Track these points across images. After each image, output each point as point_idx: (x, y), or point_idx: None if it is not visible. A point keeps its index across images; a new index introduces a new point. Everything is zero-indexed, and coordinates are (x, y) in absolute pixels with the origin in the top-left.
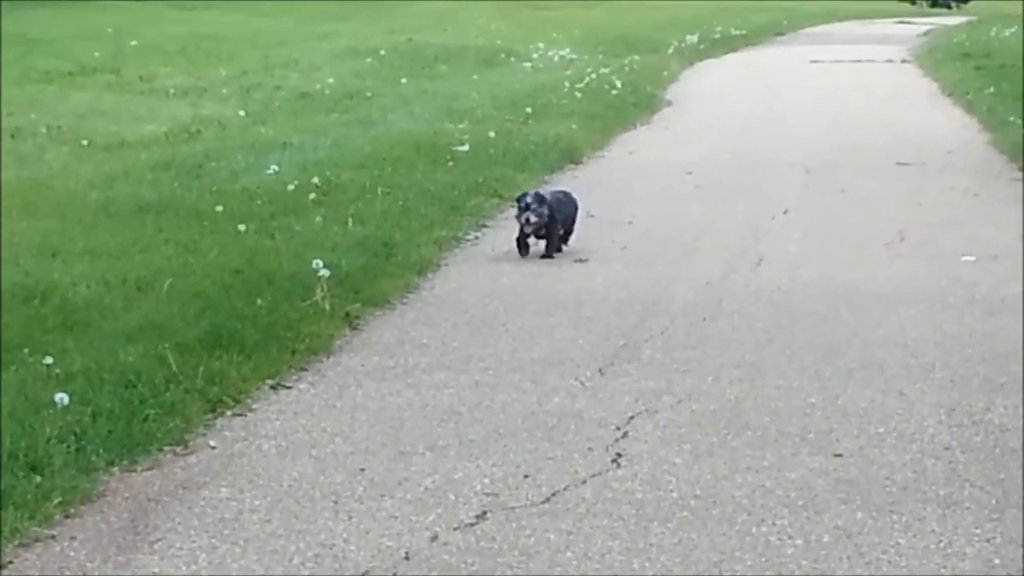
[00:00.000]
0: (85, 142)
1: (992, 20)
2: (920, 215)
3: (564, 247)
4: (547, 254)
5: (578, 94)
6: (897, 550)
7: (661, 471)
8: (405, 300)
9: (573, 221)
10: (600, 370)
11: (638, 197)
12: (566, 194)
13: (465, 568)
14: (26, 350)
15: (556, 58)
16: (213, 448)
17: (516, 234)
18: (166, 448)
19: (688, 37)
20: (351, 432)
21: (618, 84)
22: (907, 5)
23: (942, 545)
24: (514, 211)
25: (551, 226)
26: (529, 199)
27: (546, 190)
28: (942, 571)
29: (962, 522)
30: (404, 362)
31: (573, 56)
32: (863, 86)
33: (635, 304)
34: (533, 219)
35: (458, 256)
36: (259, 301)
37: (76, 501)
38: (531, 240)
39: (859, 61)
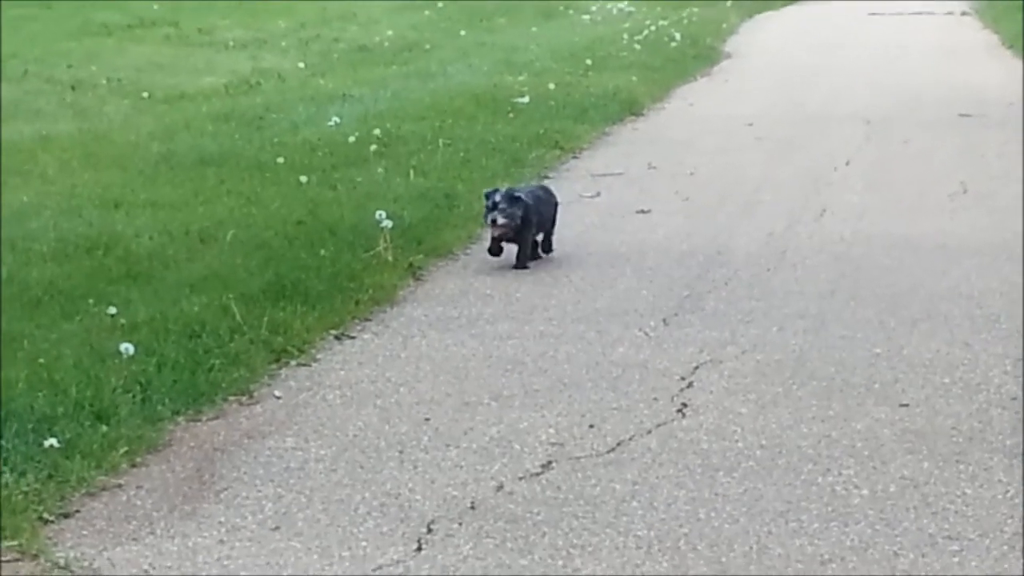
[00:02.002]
0: (145, 94)
1: None
2: (982, 167)
3: (548, 254)
4: (518, 263)
5: (637, 46)
6: (963, 500)
7: (726, 421)
8: (468, 251)
9: (553, 222)
10: (664, 320)
11: (699, 149)
12: (545, 190)
13: (530, 518)
14: (90, 300)
15: (615, 10)
16: (278, 398)
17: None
18: (231, 398)
19: None
20: (415, 382)
21: (677, 36)
22: None
23: (1009, 495)
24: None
25: (523, 230)
26: (498, 197)
27: (524, 187)
28: (1008, 521)
29: None
30: (468, 312)
31: (631, 8)
32: (923, 38)
33: (698, 255)
34: (500, 220)
35: None
36: (322, 252)
37: (142, 450)
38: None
39: (919, 14)
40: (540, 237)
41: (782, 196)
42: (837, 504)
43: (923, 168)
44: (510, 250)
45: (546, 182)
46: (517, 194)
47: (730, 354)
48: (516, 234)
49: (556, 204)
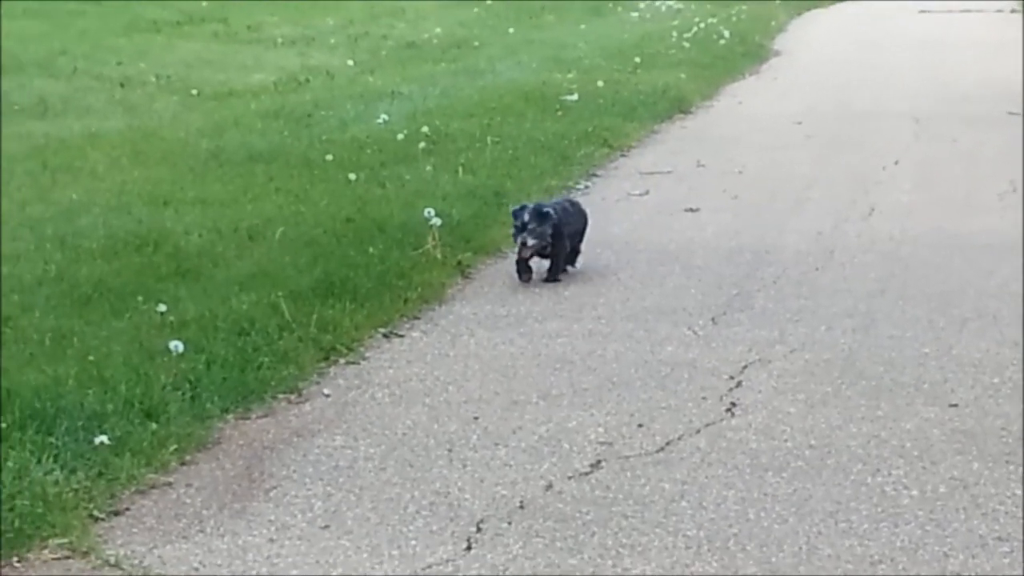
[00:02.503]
0: (194, 91)
1: None
2: None
3: (573, 268)
4: (551, 277)
5: (686, 44)
6: (1013, 501)
7: (775, 420)
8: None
9: (582, 236)
10: (713, 319)
11: (747, 147)
12: (573, 204)
13: (579, 517)
14: (140, 298)
15: (663, 8)
16: (327, 396)
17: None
18: (280, 396)
19: None
20: (464, 380)
21: (726, 34)
22: None
23: None
24: (529, 225)
25: (557, 244)
26: (527, 216)
27: (551, 202)
28: None
29: None
30: (516, 311)
31: (680, 6)
32: (972, 36)
33: (746, 253)
34: (531, 242)
35: None
36: (371, 249)
37: (191, 448)
38: (534, 260)
39: (968, 11)
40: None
41: (830, 194)
42: (887, 505)
43: (972, 166)
44: (540, 265)
45: (595, 180)
46: (546, 209)
47: (779, 353)
48: (545, 249)
49: (586, 219)
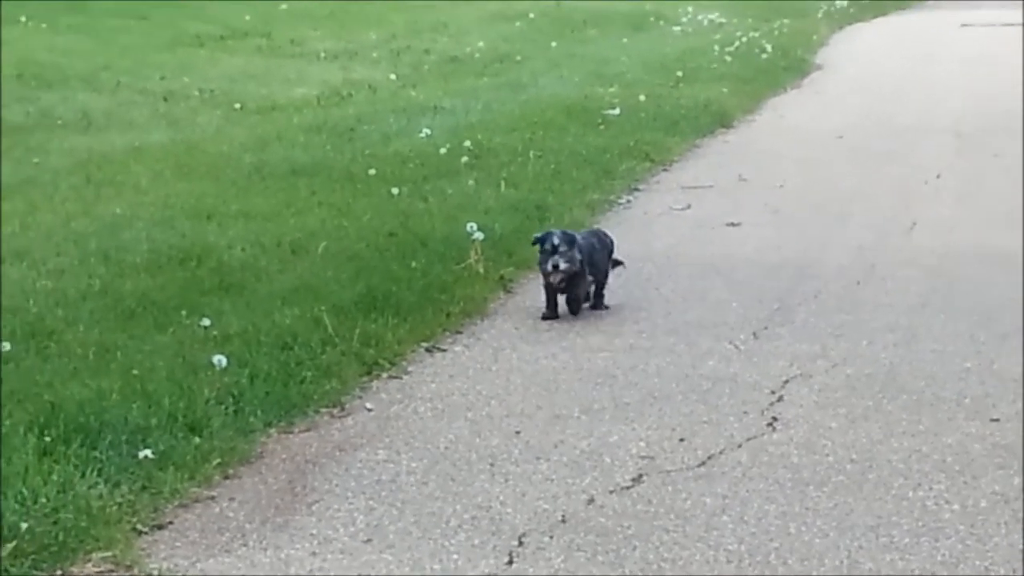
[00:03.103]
0: (237, 105)
1: None
2: None
3: (598, 310)
4: (551, 313)
5: (728, 58)
6: None
7: (817, 435)
8: None
9: (607, 271)
10: (754, 333)
11: (789, 161)
12: (599, 236)
13: (621, 531)
14: (183, 312)
15: (705, 22)
16: (369, 410)
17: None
18: (323, 410)
19: (838, 1)
20: (506, 395)
21: (768, 48)
22: None
23: None
24: (541, 253)
25: (579, 276)
26: (556, 239)
27: (578, 232)
28: None
29: None
30: (558, 325)
31: (722, 20)
32: (1014, 49)
33: (788, 268)
34: (563, 266)
35: (610, 219)
36: (413, 264)
37: (234, 462)
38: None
39: (1011, 24)
40: (592, 289)
41: (872, 208)
42: (928, 519)
43: (1014, 180)
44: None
45: (636, 194)
46: (573, 235)
47: (820, 367)
48: (570, 279)
49: (611, 251)
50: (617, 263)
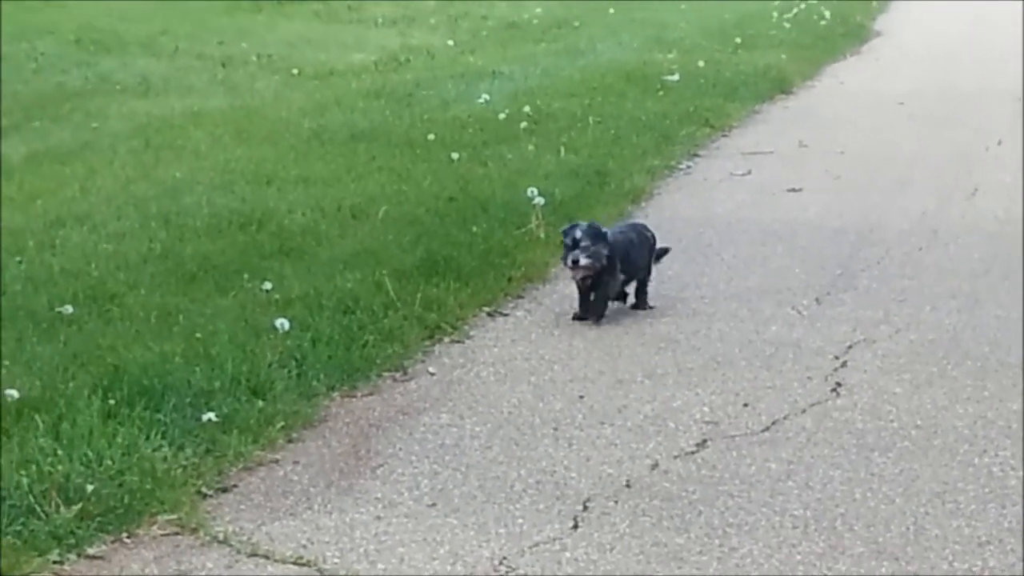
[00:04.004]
0: (295, 71)
1: None
2: None
3: (642, 309)
4: (588, 314)
5: (787, 24)
6: None
7: (881, 400)
8: None
9: (648, 269)
10: (817, 299)
11: (849, 127)
12: (638, 231)
13: (686, 496)
14: (244, 275)
15: None
16: (432, 374)
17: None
18: (385, 374)
19: None
20: (569, 360)
21: (827, 14)
22: None
23: None
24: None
25: (607, 273)
26: (579, 232)
27: (616, 226)
28: None
29: None
30: None
31: None
32: None
33: (850, 233)
34: (583, 261)
35: (671, 185)
36: (474, 229)
37: (298, 425)
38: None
39: None
40: (633, 287)
41: (934, 174)
42: (994, 485)
43: None
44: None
45: (696, 160)
46: (602, 229)
47: (883, 333)
48: (597, 276)
49: (653, 247)
50: (663, 252)
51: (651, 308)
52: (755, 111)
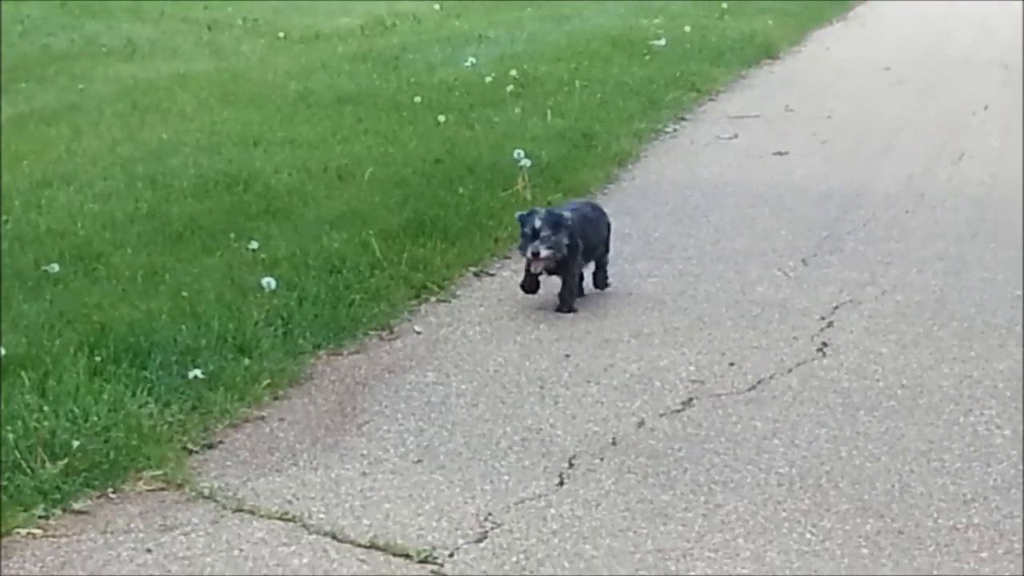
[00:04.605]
0: (281, 34)
1: None
2: None
3: (602, 289)
4: (563, 306)
5: None
6: None
7: (867, 360)
8: (606, 191)
9: (607, 245)
10: (803, 260)
11: (836, 92)
12: (594, 208)
13: (672, 454)
14: (231, 235)
15: None
16: (418, 333)
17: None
18: (372, 333)
19: None
20: (555, 319)
21: None
22: None
23: None
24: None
25: (570, 259)
26: (538, 221)
27: (566, 205)
28: None
29: None
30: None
31: None
32: None
33: (836, 197)
34: (543, 253)
35: (657, 148)
36: (460, 190)
37: (284, 383)
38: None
39: None
40: (592, 268)
41: (920, 139)
42: (979, 444)
43: None
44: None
45: (683, 123)
46: (560, 214)
47: (870, 294)
48: (559, 265)
49: (608, 225)
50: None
51: (608, 287)
52: (741, 76)
